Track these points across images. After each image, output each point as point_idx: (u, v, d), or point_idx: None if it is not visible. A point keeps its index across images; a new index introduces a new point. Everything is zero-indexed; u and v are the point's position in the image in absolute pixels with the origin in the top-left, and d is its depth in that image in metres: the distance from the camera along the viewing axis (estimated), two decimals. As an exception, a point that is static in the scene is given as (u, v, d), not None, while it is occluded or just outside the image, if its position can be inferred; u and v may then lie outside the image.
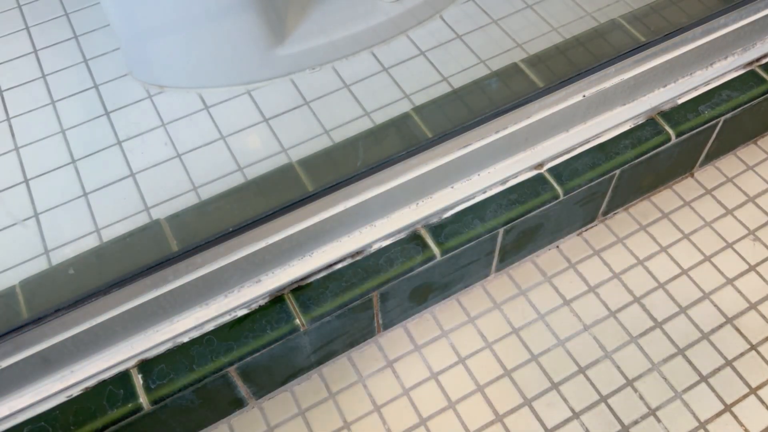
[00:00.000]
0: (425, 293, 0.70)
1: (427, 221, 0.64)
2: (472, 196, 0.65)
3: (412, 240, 0.63)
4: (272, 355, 0.61)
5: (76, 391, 0.55)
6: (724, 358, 0.70)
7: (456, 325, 0.73)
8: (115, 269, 0.60)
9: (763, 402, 0.68)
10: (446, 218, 0.64)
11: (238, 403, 0.67)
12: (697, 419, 0.67)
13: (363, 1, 0.92)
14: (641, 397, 0.68)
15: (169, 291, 0.55)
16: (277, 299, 0.60)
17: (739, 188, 0.82)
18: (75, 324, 0.53)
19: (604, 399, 0.68)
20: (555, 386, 0.69)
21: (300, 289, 0.60)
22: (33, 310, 0.58)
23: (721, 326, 0.72)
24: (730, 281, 0.75)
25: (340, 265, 0.62)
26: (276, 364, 0.64)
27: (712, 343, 0.71)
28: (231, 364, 0.57)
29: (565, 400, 0.68)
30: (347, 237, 0.62)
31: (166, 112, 0.88)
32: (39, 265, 0.75)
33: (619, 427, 0.67)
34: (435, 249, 0.62)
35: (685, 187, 0.83)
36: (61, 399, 0.55)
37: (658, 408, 0.67)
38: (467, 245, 0.64)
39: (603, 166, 0.67)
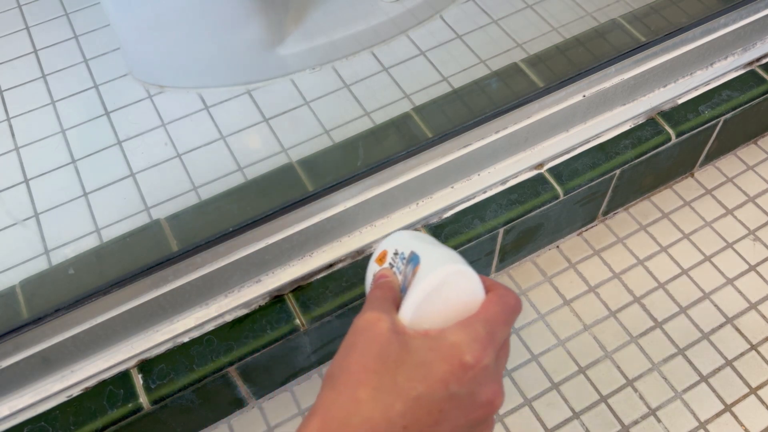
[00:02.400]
0: (425, 293, 0.70)
1: (427, 221, 0.64)
2: (472, 196, 0.65)
3: (412, 240, 0.63)
4: (272, 355, 0.61)
5: (76, 391, 0.55)
6: (724, 358, 0.70)
7: (456, 325, 0.73)
8: (115, 269, 0.60)
9: (763, 402, 0.68)
10: (446, 218, 0.64)
11: (238, 403, 0.67)
12: (697, 419, 0.67)
13: (363, 1, 0.92)
14: (641, 397, 0.68)
15: (169, 291, 0.55)
16: (277, 299, 0.60)
17: (739, 188, 0.82)
18: (75, 324, 0.53)
19: (604, 399, 0.68)
20: (555, 386, 0.69)
21: (300, 289, 0.60)
22: (33, 310, 0.58)
23: (721, 326, 0.72)
24: (730, 281, 0.75)
25: (340, 265, 0.62)
26: (276, 364, 0.64)
27: (712, 343, 0.71)
28: (231, 364, 0.57)
29: (565, 400, 0.68)
30: (347, 237, 0.62)
31: (166, 112, 0.88)
32: (39, 265, 0.75)
33: (619, 427, 0.67)
34: (435, 249, 0.62)
35: (685, 187, 0.83)
36: (61, 399, 0.55)
37: (658, 408, 0.67)
38: (467, 245, 0.64)
39: (603, 166, 0.67)
